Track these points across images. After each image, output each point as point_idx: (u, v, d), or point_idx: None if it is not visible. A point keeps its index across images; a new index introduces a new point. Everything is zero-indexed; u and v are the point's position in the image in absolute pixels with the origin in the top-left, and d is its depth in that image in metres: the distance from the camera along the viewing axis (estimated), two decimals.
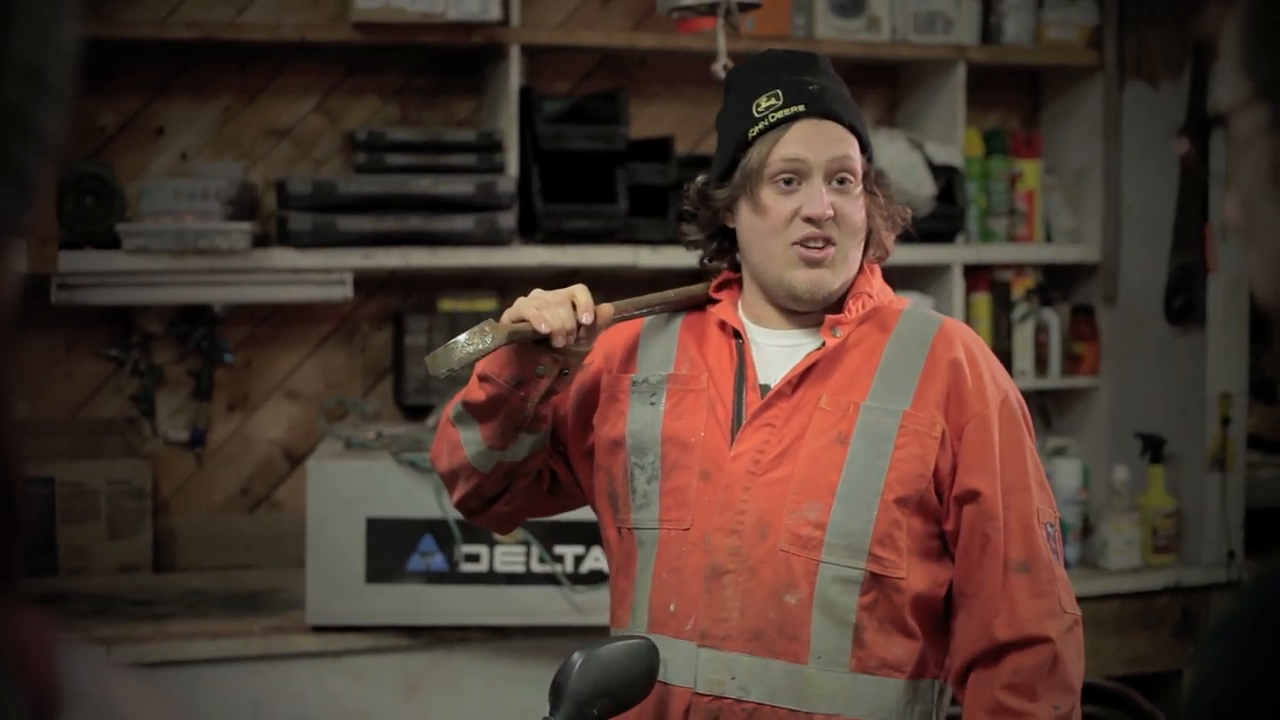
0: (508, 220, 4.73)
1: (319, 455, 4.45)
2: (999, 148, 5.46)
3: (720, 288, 2.81)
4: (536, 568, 4.29)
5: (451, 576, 4.29)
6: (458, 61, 5.13)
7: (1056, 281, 5.58)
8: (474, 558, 4.28)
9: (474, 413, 2.69)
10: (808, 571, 2.58)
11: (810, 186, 2.64)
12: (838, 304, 2.72)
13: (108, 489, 4.80)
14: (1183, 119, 5.11)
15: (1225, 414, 5.11)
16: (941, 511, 2.63)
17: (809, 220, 2.63)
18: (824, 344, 2.68)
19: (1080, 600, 4.93)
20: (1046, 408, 5.67)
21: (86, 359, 4.97)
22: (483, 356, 2.58)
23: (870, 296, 2.73)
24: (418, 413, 4.93)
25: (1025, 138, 5.52)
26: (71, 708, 0.91)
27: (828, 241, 2.65)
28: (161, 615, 4.42)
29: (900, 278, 5.34)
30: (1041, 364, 5.47)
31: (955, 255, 5.23)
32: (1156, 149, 5.27)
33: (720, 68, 3.78)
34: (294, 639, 4.30)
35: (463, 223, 4.70)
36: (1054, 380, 5.50)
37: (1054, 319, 5.48)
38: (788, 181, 2.65)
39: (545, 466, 2.84)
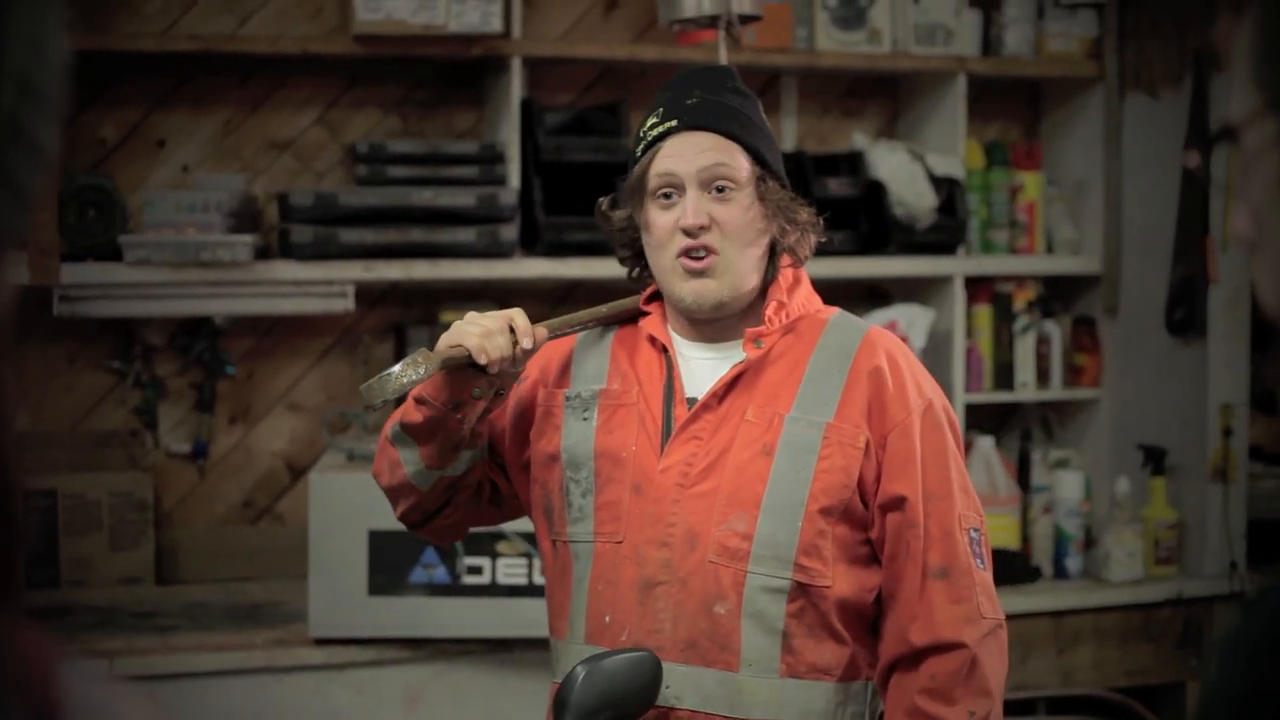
0: (509, 232, 4.73)
1: (321, 467, 4.45)
2: (1000, 159, 5.46)
3: (651, 300, 2.85)
4: (538, 580, 4.29)
5: (454, 589, 4.29)
6: (459, 73, 5.14)
7: (1058, 293, 5.58)
8: (476, 570, 4.28)
9: (411, 434, 2.72)
10: (736, 582, 2.62)
11: (685, 199, 2.68)
12: (757, 315, 2.75)
13: (110, 501, 4.80)
14: (1183, 130, 5.11)
15: (1227, 425, 5.11)
16: (867, 519, 2.67)
17: (686, 231, 2.67)
18: (747, 357, 2.71)
19: (1082, 612, 5.00)
20: (1048, 419, 5.67)
21: (88, 371, 4.97)
22: (416, 386, 2.62)
23: (785, 305, 2.75)
24: None
25: (1026, 149, 5.52)
26: None
27: (709, 250, 2.67)
28: (164, 628, 4.42)
29: (901, 289, 5.35)
30: (1043, 376, 5.47)
31: (956, 267, 5.23)
32: (1157, 160, 5.27)
33: None
34: (296, 651, 4.30)
35: (464, 235, 4.70)
36: (1055, 392, 5.50)
37: (1055, 330, 5.47)
38: (666, 196, 2.70)
39: (485, 479, 2.86)
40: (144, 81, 4.97)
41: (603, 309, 2.86)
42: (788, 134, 5.46)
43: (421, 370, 2.60)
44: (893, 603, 2.66)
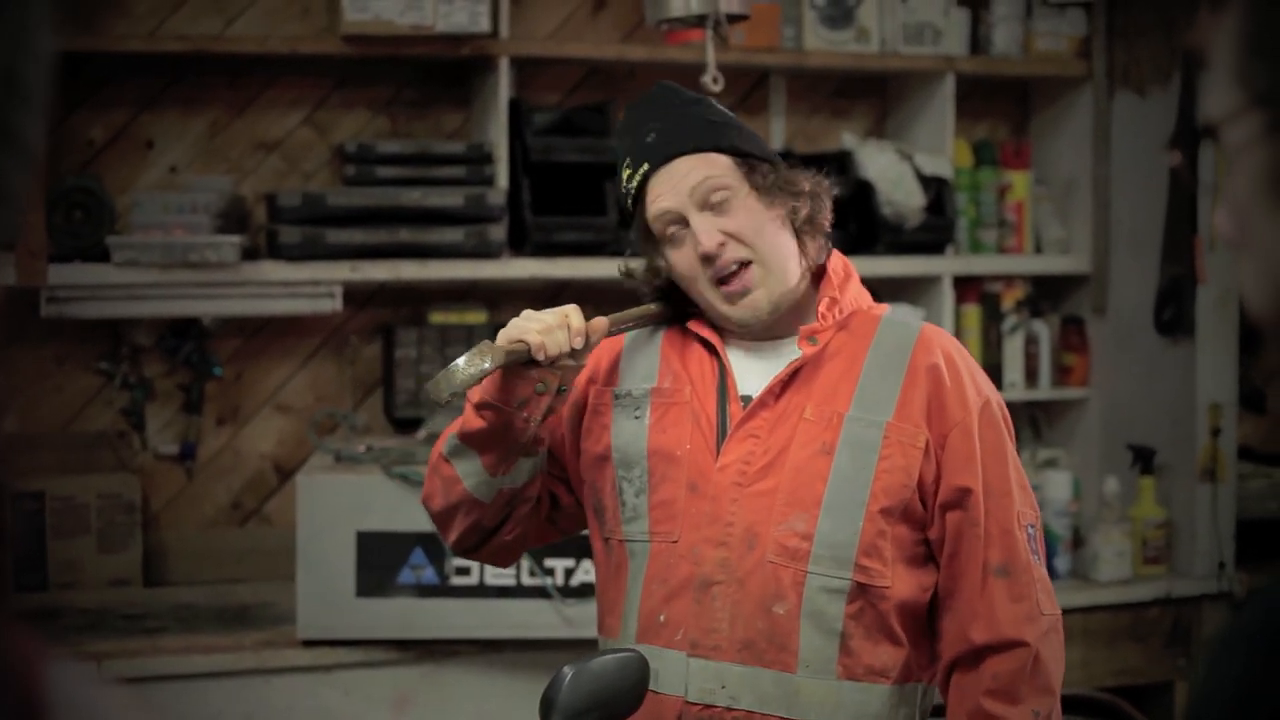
0: (497, 232, 4.72)
1: (309, 469, 4.44)
2: (988, 158, 5.46)
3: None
4: (527, 581, 4.28)
5: (442, 590, 4.28)
6: (447, 74, 5.13)
7: (1046, 292, 5.58)
8: (464, 571, 4.28)
9: (473, 442, 2.69)
10: (795, 582, 2.60)
11: (691, 229, 2.66)
12: (809, 311, 2.73)
13: (98, 503, 4.79)
14: (1172, 129, 5.11)
15: (1215, 425, 5.12)
16: (926, 518, 2.66)
17: (706, 258, 2.65)
18: (802, 354, 2.69)
19: (1070, 612, 4.97)
20: (1037, 419, 5.67)
21: (76, 372, 4.96)
22: (483, 379, 2.59)
23: (839, 300, 2.73)
24: (408, 426, 4.92)
25: (1014, 148, 5.53)
26: None
27: (741, 265, 2.66)
28: (152, 630, 4.41)
29: (890, 289, 5.34)
30: (1031, 375, 5.47)
31: (945, 266, 5.23)
32: (1146, 159, 5.28)
33: (710, 80, 3.79)
34: (285, 653, 4.29)
35: (452, 235, 4.70)
36: (1044, 392, 5.50)
37: (1044, 330, 5.48)
38: (674, 234, 2.68)
39: (545, 492, 2.84)
40: (132, 82, 4.96)
41: (653, 307, 2.84)
42: (776, 134, 5.46)
43: (487, 363, 2.56)
44: (952, 601, 2.65)
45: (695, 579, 2.63)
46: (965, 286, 5.34)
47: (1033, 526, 2.69)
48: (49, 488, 4.76)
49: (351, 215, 4.67)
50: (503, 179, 4.81)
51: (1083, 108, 5.48)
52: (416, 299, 5.11)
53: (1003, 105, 5.72)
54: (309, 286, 4.68)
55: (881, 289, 5.38)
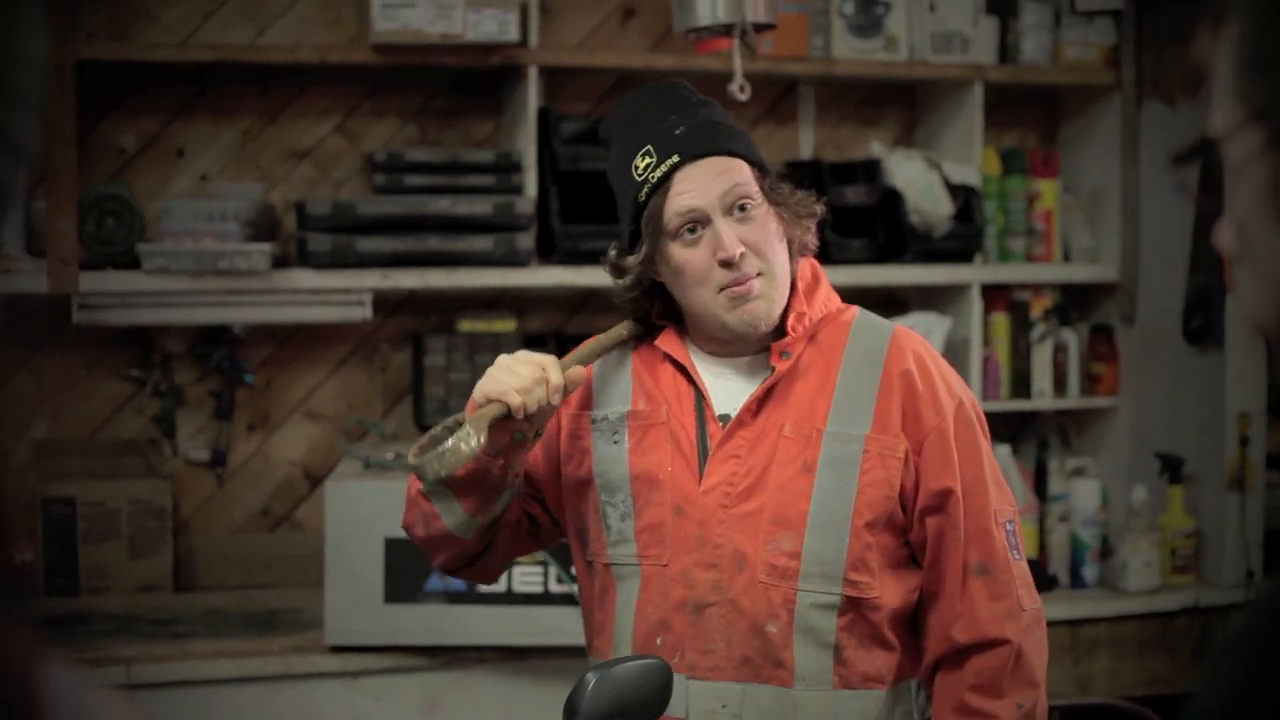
0: (526, 241, 4.73)
1: (338, 475, 4.45)
2: (1017, 167, 5.46)
3: (663, 314, 2.82)
4: (554, 588, 4.29)
5: (470, 596, 4.29)
6: (476, 82, 5.15)
7: (1075, 301, 5.58)
8: None
9: (452, 487, 2.70)
10: (786, 600, 2.63)
11: (714, 230, 2.64)
12: (778, 326, 2.73)
13: (129, 509, 4.82)
14: (1191, 141, 5.10)
15: (1244, 433, 5.10)
16: (906, 523, 2.69)
17: (725, 264, 2.63)
18: (775, 370, 2.70)
19: (1098, 621, 4.99)
20: (1065, 428, 5.66)
21: (107, 379, 4.99)
22: (475, 455, 2.60)
23: (806, 313, 2.73)
24: None
25: (1043, 157, 5.52)
26: None
27: (748, 274, 2.65)
28: (182, 635, 4.43)
29: (918, 297, 5.35)
30: (1060, 384, 5.46)
31: (973, 275, 5.22)
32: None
33: (736, 89, 3.80)
34: (313, 659, 4.31)
35: (481, 243, 4.71)
36: (1073, 400, 5.49)
37: (1072, 339, 5.47)
38: (691, 231, 2.65)
39: (522, 513, 2.85)
40: (163, 91, 4.98)
41: (623, 330, 2.84)
42: (805, 143, 5.46)
43: (475, 441, 2.57)
44: (935, 601, 2.69)
45: (689, 602, 2.65)
46: (993, 295, 5.34)
47: (1010, 522, 2.71)
48: (80, 493, 4.79)
49: (381, 223, 4.68)
50: (531, 187, 4.82)
51: (1111, 116, 5.47)
52: (446, 307, 5.13)
53: (1031, 114, 5.72)
54: (339, 294, 4.70)
55: (910, 297, 5.39)
